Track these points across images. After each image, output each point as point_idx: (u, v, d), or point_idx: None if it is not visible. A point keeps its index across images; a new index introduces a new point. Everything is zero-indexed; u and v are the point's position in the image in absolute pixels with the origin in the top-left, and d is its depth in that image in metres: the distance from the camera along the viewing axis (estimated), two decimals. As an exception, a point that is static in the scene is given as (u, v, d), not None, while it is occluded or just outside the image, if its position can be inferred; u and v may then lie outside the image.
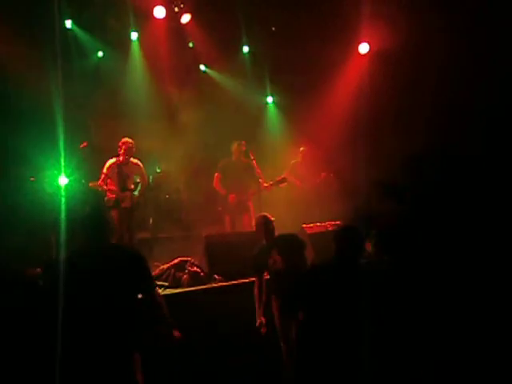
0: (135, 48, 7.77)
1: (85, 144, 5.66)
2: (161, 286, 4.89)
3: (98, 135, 6.50)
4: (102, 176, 5.83)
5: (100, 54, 7.73)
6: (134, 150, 6.10)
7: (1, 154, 6.80)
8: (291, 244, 4.14)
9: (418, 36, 6.99)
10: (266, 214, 4.49)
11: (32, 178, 6.95)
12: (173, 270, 5.08)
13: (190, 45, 8.16)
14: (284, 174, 7.29)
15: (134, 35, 7.68)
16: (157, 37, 7.49)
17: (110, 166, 5.98)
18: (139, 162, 6.22)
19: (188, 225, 7.66)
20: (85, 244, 2.97)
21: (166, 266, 5.19)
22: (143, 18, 7.33)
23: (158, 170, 8.02)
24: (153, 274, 5.03)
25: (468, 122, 6.71)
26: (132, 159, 6.14)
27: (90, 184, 5.73)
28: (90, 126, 7.37)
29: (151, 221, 7.36)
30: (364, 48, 8.27)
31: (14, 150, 6.76)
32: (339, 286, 2.93)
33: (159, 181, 7.89)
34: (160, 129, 8.17)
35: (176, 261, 5.22)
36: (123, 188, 5.99)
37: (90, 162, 6.04)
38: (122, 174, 5.99)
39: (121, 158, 6.03)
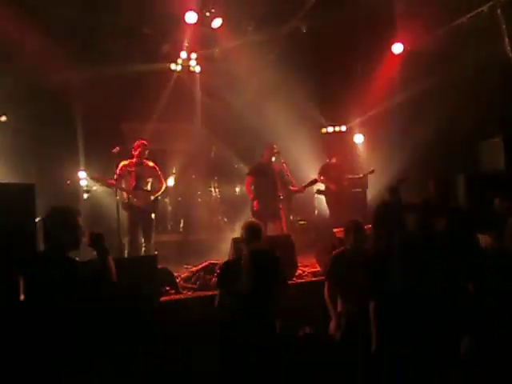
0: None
1: (117, 148, 5.68)
2: (190, 289, 4.95)
3: (131, 140, 6.53)
4: (116, 176, 5.73)
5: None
6: (147, 151, 6.02)
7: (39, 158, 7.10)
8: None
9: (454, 36, 6.81)
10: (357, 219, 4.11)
11: (68, 182, 7.24)
12: (202, 273, 5.09)
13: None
14: (317, 175, 7.26)
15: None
16: (188, 42, 7.59)
17: (124, 166, 5.91)
18: (155, 165, 6.13)
19: (218, 228, 7.70)
20: None
21: (195, 269, 5.21)
22: (175, 23, 7.41)
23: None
24: (182, 276, 5.18)
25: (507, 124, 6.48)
26: (147, 161, 6.07)
27: (96, 177, 5.75)
28: (123, 131, 7.56)
29: (182, 223, 7.44)
30: (398, 48, 8.11)
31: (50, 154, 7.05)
32: None
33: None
34: (194, 133, 8.31)
35: (205, 264, 5.23)
36: (136, 187, 5.92)
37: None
38: (135, 173, 5.91)
39: (134, 160, 5.97)
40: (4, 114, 7.21)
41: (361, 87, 8.20)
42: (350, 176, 7.76)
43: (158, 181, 6.14)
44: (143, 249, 5.94)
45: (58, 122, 7.26)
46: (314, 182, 6.80)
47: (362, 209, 7.85)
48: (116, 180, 5.71)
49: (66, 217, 2.97)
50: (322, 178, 7.26)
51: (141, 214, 5.95)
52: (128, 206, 5.90)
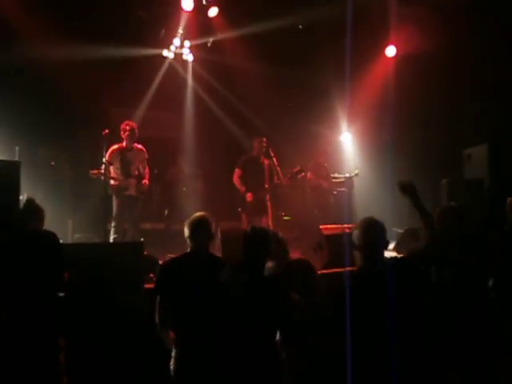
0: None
1: (106, 131, 5.56)
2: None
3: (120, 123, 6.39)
4: (106, 161, 5.55)
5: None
6: (137, 134, 5.86)
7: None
8: None
9: (447, 40, 6.87)
10: None
11: (52, 163, 7.09)
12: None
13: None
14: (308, 175, 7.25)
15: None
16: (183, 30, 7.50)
17: (113, 151, 5.73)
18: (143, 148, 5.99)
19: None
20: None
21: (179, 259, 5.15)
22: (171, 9, 7.30)
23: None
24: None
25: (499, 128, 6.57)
26: (136, 145, 5.92)
27: (90, 172, 5.55)
28: (113, 115, 7.41)
29: (166, 212, 7.36)
30: (391, 51, 8.15)
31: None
32: None
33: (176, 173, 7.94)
34: (183, 122, 8.22)
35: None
36: (127, 175, 5.81)
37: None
38: (124, 160, 5.78)
39: (124, 144, 5.81)
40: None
41: (352, 89, 8.20)
42: (336, 175, 7.80)
43: (145, 166, 6.03)
44: (128, 235, 5.84)
45: (45, 105, 7.08)
46: (300, 171, 6.37)
47: (350, 209, 7.90)
48: (106, 163, 5.56)
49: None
50: (312, 175, 7.28)
51: (130, 201, 5.85)
52: (117, 192, 5.79)
